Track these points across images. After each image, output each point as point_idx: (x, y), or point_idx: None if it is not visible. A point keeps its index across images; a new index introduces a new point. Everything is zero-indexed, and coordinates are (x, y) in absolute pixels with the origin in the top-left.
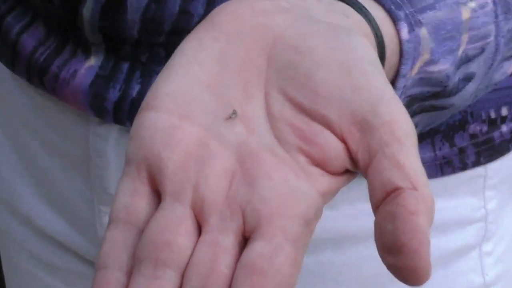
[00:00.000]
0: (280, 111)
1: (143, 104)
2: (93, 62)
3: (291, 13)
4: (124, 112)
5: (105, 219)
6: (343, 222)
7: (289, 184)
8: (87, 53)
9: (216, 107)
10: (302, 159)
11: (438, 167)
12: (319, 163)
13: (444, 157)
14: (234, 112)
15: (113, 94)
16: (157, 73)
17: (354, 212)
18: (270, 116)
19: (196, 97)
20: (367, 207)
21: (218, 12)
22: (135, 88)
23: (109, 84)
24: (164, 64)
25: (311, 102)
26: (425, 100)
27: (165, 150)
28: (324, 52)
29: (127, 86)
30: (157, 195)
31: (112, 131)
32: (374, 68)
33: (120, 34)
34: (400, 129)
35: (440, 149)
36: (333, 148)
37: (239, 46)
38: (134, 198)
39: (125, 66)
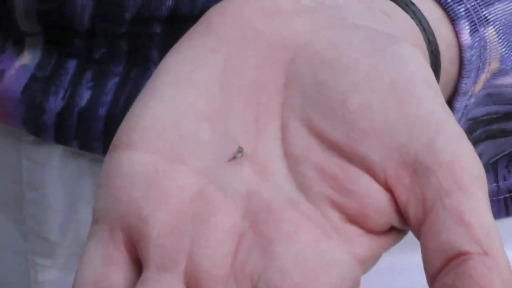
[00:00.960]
0: (304, 149)
1: (117, 139)
2: (27, 59)
3: (317, 15)
4: (70, 128)
5: (42, 277)
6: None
7: (317, 248)
8: (19, 47)
9: (217, 144)
10: (334, 214)
11: (502, 204)
12: (357, 220)
13: (510, 190)
14: (240, 150)
15: (55, 103)
16: (117, 74)
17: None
18: (290, 156)
19: (190, 132)
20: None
21: (215, 13)
22: (85, 95)
23: (49, 89)
24: (125, 63)
25: (346, 136)
26: (492, 123)
27: (149, 206)
28: (365, 70)
29: (73, 92)
30: (138, 265)
31: (53, 155)
32: (428, 88)
33: (65, 21)
34: (465, 171)
35: (504, 179)
36: (375, 199)
37: (247, 61)
38: (107, 268)
39: (72, 64)
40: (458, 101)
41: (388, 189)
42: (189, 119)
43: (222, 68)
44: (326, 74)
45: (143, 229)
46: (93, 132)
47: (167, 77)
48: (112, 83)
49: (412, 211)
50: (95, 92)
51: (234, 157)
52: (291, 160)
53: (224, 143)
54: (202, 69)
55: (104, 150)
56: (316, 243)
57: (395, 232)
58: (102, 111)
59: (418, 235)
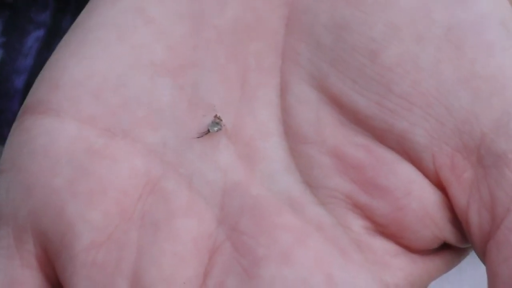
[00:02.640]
0: (314, 123)
1: (31, 100)
2: None
3: None
4: None
5: None
6: None
7: (329, 273)
8: None
9: (183, 112)
10: (356, 222)
11: None
12: (391, 231)
13: None
14: (217, 122)
15: None
16: (40, 25)
17: None
18: (293, 134)
19: (142, 91)
20: None
21: None
22: None
23: None
24: (54, 7)
25: (377, 105)
26: None
27: (76, 201)
28: (408, 6)
29: None
30: None
31: None
32: (505, 35)
33: None
34: None
35: None
36: (418, 199)
37: None
38: None
39: None
40: None
41: (439, 186)
42: (140, 73)
43: None
44: (349, 11)
45: (66, 236)
46: (5, 114)
47: (107, 9)
48: (33, 39)
49: (475, 220)
50: (8, 52)
51: (208, 132)
52: (294, 139)
53: (193, 110)
54: None
55: None
56: (328, 265)
57: (448, 251)
58: (19, 81)
59: (482, 255)
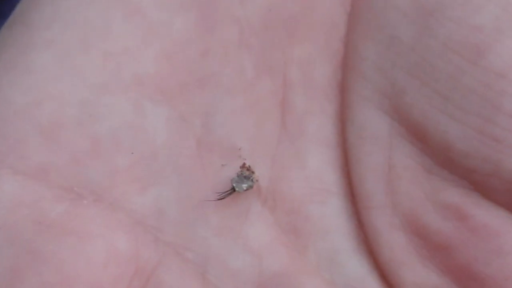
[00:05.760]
0: (382, 170)
1: None
2: None
3: None
4: None
5: None
6: None
7: None
8: None
9: (187, 156)
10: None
11: None
12: None
13: None
14: (246, 175)
15: None
16: None
17: None
18: (354, 190)
19: (119, 123)
20: None
21: None
22: None
23: None
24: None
25: (477, 132)
26: None
27: None
28: (496, 11)
29: None
30: None
31: None
32: None
33: None
34: None
35: None
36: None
37: None
38: None
39: None
40: None
41: None
42: (118, 97)
43: None
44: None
45: None
46: None
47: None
48: None
49: None
50: None
51: (233, 191)
52: (357, 199)
53: (204, 155)
54: None
55: None
56: None
57: None
58: None
59: None
